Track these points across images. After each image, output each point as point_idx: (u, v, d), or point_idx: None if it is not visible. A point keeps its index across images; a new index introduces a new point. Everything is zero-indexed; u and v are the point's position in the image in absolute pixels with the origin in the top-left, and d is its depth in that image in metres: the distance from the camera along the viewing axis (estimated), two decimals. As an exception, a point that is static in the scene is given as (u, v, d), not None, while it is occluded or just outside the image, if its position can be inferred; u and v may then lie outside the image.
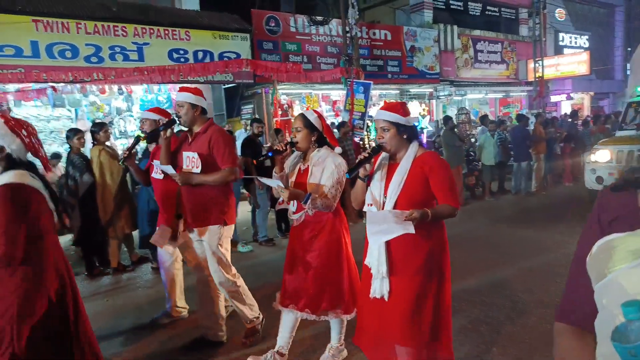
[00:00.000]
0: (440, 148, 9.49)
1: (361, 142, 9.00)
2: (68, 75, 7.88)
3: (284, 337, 3.06)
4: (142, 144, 4.81)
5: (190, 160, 3.24)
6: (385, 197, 2.34)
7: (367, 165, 2.40)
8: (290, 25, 11.85)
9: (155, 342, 3.64)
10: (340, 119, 10.26)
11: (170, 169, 3.23)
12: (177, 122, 3.31)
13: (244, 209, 7.35)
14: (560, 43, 19.08)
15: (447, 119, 9.23)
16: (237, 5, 11.57)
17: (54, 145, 9.31)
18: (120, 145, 9.61)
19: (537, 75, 17.19)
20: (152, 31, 9.69)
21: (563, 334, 0.98)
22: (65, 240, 7.35)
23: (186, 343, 3.55)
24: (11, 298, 2.04)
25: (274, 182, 2.80)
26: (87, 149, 5.86)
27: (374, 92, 12.38)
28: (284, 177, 2.89)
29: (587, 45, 19.57)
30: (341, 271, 2.87)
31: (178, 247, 3.80)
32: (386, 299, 2.34)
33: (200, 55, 10.27)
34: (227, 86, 12.14)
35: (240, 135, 9.60)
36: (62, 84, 7.87)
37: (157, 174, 3.74)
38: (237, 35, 10.80)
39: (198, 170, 3.20)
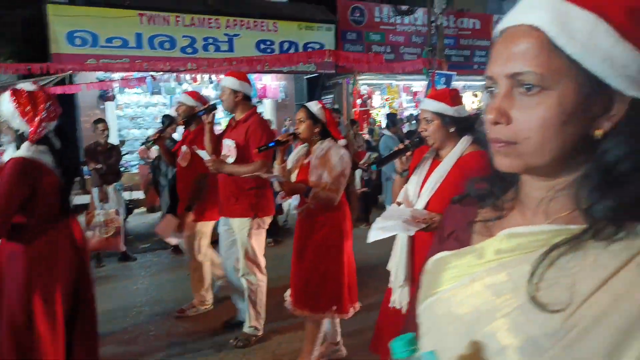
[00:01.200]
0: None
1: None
2: (166, 64, 8.57)
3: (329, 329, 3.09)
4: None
5: (228, 148, 3.20)
6: (419, 197, 2.05)
7: (405, 159, 2.16)
8: (375, 16, 11.83)
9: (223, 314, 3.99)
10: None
11: (205, 155, 3.17)
12: (217, 107, 3.27)
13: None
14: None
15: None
16: (323, -4, 11.76)
17: (150, 130, 10.20)
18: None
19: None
20: (242, 23, 10.18)
21: None
22: (154, 217, 8.10)
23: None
24: (22, 277, 2.03)
25: (274, 177, 2.76)
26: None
27: (459, 83, 11.98)
28: (285, 168, 2.85)
29: None
30: (340, 268, 2.79)
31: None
32: (403, 311, 2.05)
33: (285, 46, 10.62)
34: (309, 76, 12.44)
35: (320, 124, 9.83)
36: (160, 73, 8.59)
37: (180, 160, 3.72)
38: (322, 25, 11.00)
39: (233, 159, 3.14)
